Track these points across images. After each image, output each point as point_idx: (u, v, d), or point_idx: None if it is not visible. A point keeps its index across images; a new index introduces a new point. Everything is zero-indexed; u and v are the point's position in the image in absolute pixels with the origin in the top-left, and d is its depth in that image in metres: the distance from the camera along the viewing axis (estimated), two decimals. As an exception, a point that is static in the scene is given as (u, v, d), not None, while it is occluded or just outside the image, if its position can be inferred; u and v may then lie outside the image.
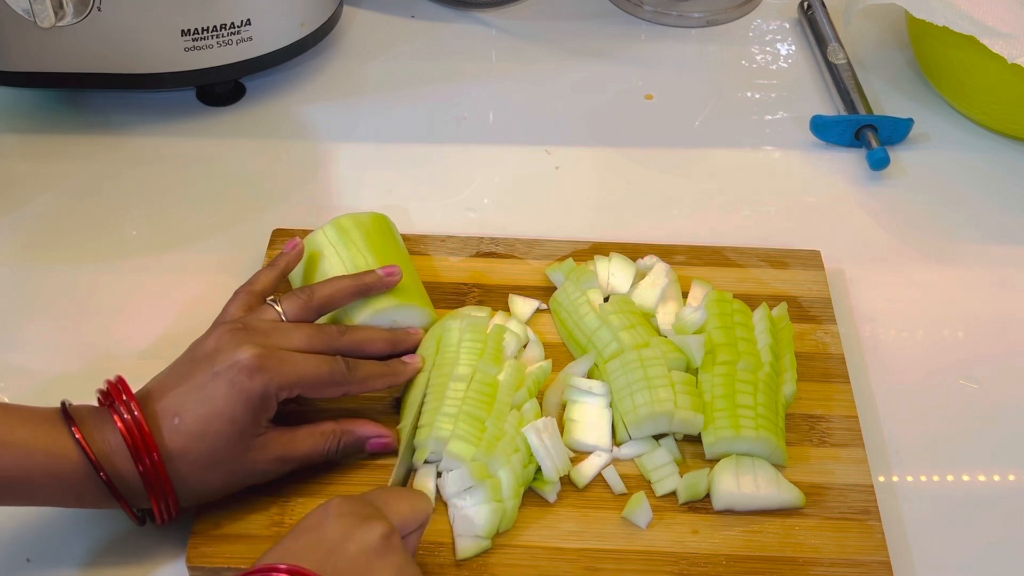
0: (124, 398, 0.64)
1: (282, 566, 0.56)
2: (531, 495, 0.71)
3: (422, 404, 0.73)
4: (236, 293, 0.74)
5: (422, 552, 0.67)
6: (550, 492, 0.71)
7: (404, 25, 1.13)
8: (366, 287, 0.75)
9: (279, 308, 0.72)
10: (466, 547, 0.67)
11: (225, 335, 0.68)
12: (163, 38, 0.92)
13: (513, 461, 0.69)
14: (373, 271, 0.76)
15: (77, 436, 0.62)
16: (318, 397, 0.71)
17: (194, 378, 0.66)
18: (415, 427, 0.72)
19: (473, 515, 0.67)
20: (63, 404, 0.65)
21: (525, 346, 0.79)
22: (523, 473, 0.70)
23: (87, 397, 0.68)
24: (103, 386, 0.66)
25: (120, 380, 0.66)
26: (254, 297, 0.74)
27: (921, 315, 0.86)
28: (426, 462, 0.71)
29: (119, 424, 0.63)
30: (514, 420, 0.72)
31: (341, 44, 1.09)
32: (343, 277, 0.75)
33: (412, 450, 0.72)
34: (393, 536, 0.60)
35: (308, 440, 0.69)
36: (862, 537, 0.69)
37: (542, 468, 0.70)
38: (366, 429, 0.72)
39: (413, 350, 0.76)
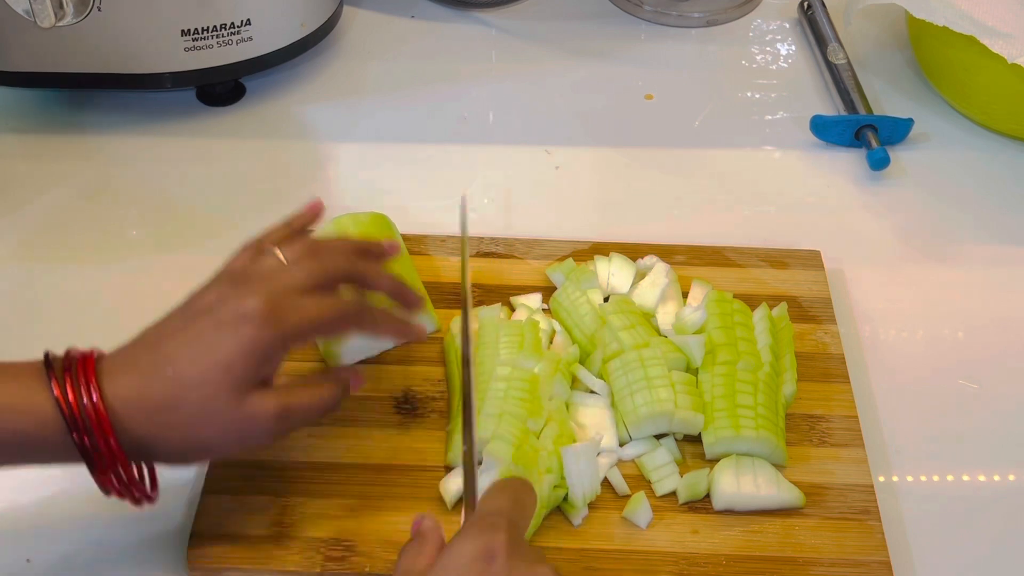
0: (85, 376, 0.61)
1: None
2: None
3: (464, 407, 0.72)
4: (243, 247, 0.70)
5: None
6: (576, 516, 0.70)
7: (404, 25, 1.13)
8: (367, 251, 0.71)
9: (279, 253, 0.68)
10: None
11: (226, 287, 0.65)
12: (163, 38, 0.92)
13: (544, 482, 0.68)
14: (379, 243, 0.73)
15: (56, 394, 0.60)
16: (329, 338, 0.69)
17: (193, 329, 0.63)
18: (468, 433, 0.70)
19: None
20: (46, 355, 0.62)
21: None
22: (551, 495, 0.69)
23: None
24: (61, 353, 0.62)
25: (90, 357, 0.62)
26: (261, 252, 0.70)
27: (921, 315, 0.86)
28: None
29: (58, 396, 0.60)
30: (551, 433, 0.71)
31: (341, 44, 1.09)
32: (346, 242, 0.72)
33: (472, 458, 0.69)
34: None
35: (307, 390, 0.66)
36: (862, 537, 0.69)
37: (570, 492, 0.69)
38: (354, 376, 0.69)
39: (415, 307, 0.73)
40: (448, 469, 0.72)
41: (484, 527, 0.56)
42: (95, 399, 0.60)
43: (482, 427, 0.70)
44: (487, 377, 0.74)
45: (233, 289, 0.64)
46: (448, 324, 0.79)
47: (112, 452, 0.61)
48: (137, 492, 0.63)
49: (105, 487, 0.63)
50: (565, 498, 0.70)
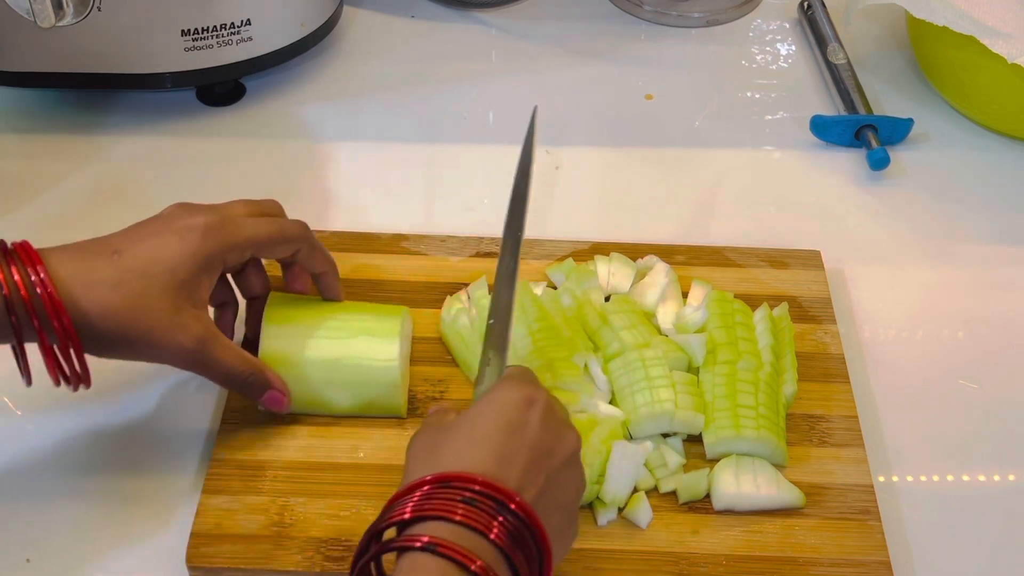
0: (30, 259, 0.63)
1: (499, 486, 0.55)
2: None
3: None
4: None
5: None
6: (603, 515, 0.69)
7: (404, 25, 1.13)
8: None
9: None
10: None
11: (175, 208, 0.69)
12: (163, 38, 0.92)
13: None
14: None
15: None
16: (270, 257, 0.73)
17: (143, 230, 0.67)
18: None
19: None
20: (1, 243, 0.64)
21: None
22: (587, 490, 0.68)
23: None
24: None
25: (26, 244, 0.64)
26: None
27: (921, 315, 0.86)
28: None
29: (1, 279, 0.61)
30: (603, 432, 0.70)
31: (341, 44, 1.09)
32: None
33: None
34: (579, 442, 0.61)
35: (230, 352, 0.68)
36: (862, 537, 0.69)
37: (605, 488, 0.69)
38: (274, 381, 0.71)
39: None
40: None
41: (524, 380, 0.60)
42: (43, 277, 0.62)
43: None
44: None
45: (182, 210, 0.68)
46: (442, 322, 0.79)
47: (65, 331, 0.62)
48: (78, 373, 0.65)
49: (51, 369, 0.64)
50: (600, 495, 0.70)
